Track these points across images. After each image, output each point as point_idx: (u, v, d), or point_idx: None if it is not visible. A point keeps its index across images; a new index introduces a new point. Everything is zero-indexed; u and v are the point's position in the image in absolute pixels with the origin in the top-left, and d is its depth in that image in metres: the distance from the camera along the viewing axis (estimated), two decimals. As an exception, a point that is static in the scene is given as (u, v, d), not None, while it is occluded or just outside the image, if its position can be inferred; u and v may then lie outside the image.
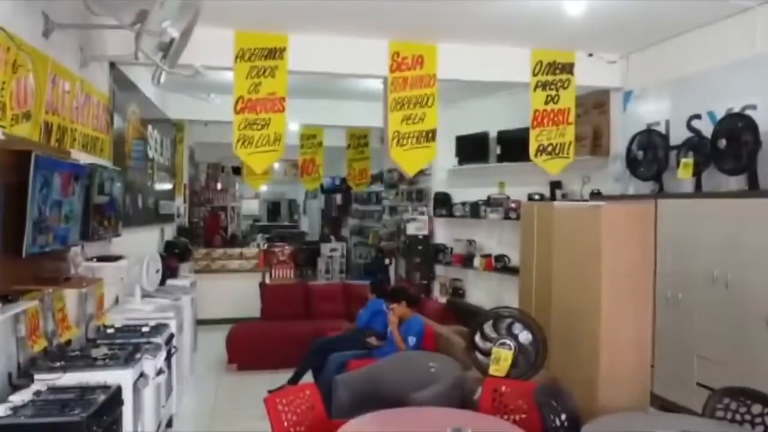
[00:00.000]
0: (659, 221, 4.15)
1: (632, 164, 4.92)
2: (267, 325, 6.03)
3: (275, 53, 4.77)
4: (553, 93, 5.26)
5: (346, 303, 6.40)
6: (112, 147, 4.56)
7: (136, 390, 2.92)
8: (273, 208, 21.23)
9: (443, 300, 7.36)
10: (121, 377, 2.79)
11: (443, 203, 7.73)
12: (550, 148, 5.26)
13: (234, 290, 7.68)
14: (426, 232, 7.81)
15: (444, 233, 7.91)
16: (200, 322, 7.51)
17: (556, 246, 3.85)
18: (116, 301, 4.69)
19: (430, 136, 5.03)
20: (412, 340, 4.04)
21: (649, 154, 4.78)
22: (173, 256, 6.34)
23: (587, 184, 5.72)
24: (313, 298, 6.39)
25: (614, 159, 5.34)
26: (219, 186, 11.15)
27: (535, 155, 5.25)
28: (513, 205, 6.55)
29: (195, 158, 9.99)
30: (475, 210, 7.10)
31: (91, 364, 2.86)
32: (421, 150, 5.02)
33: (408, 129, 5.00)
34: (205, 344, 6.49)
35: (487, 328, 3.23)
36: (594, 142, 5.70)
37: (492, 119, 7.02)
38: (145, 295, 4.72)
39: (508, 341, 3.15)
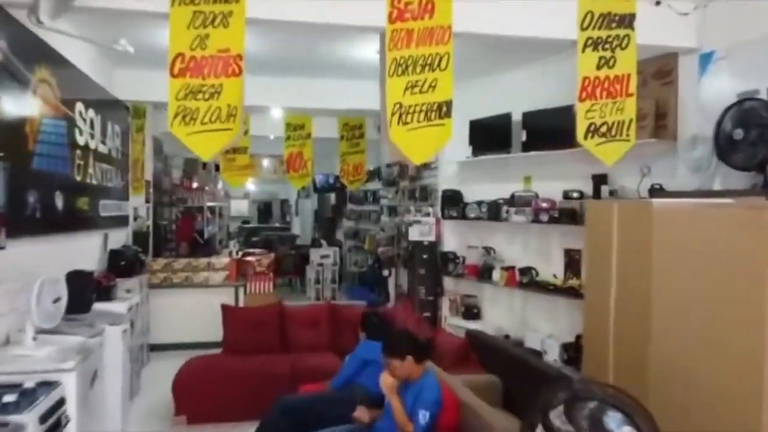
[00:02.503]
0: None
1: (726, 149, 3.55)
2: (229, 360, 4.65)
3: (228, -6, 3.41)
4: (608, 54, 3.89)
5: (333, 330, 5.02)
6: (-4, 124, 3.24)
7: None
8: (264, 209, 20.09)
9: (457, 323, 6.04)
10: None
11: (453, 203, 6.39)
12: (604, 128, 3.87)
13: (199, 309, 6.32)
14: (432, 238, 6.46)
15: (455, 239, 6.56)
16: (156, 348, 6.23)
17: (659, 261, 2.51)
18: (7, 341, 3.37)
19: (444, 110, 3.65)
20: (424, 416, 2.58)
21: (752, 135, 3.42)
22: (112, 271, 4.99)
23: (647, 176, 4.36)
24: (290, 325, 4.99)
25: (690, 143, 3.97)
26: (195, 184, 9.84)
27: (585, 137, 3.87)
28: (543, 204, 5.22)
29: (163, 151, 8.63)
30: (494, 211, 5.75)
31: None
32: (431, 129, 3.64)
33: (414, 101, 3.63)
34: (158, 379, 5.13)
35: (556, 418, 1.88)
36: (656, 122, 4.35)
37: (516, 98, 5.66)
38: (49, 331, 3.38)
39: (594, 442, 1.81)
